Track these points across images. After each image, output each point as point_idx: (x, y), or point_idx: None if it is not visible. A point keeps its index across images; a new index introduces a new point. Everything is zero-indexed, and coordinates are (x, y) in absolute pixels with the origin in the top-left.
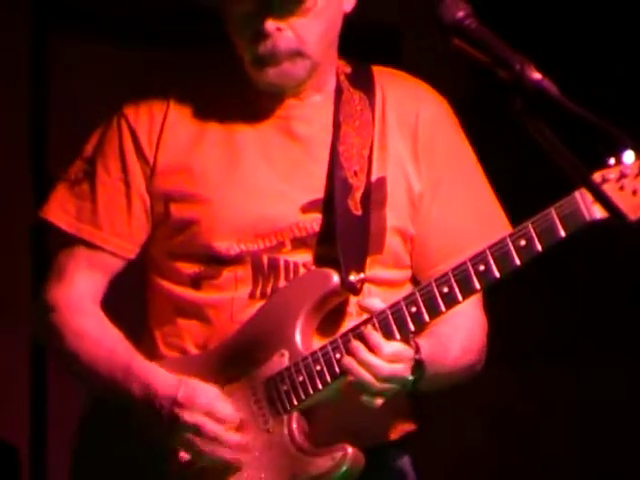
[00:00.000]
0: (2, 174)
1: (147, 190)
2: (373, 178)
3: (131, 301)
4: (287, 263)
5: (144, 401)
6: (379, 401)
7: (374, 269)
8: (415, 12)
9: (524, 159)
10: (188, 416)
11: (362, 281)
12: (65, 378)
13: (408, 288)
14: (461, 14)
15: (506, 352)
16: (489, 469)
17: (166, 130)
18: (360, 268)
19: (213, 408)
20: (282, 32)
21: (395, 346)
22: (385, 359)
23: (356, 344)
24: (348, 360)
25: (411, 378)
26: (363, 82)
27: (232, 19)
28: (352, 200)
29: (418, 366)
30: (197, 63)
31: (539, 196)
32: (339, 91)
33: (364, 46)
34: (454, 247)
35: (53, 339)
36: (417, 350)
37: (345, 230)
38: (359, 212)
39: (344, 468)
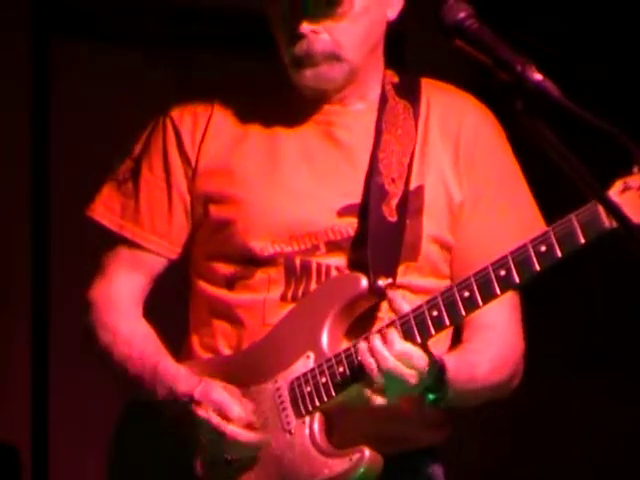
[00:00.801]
0: (3, 174)
1: (188, 190)
2: (412, 186)
3: (181, 305)
4: (319, 266)
5: (168, 401)
6: (380, 400)
7: (409, 276)
8: (418, 13)
9: (527, 163)
10: (200, 410)
11: (391, 286)
12: (66, 377)
13: None
14: (463, 15)
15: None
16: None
17: (209, 132)
18: (390, 273)
19: (223, 406)
20: (318, 34)
21: (407, 346)
22: (394, 354)
23: (374, 336)
24: (361, 345)
25: (431, 397)
26: (409, 92)
27: (272, 21)
28: (387, 206)
29: (441, 384)
30: (242, 69)
31: (541, 197)
32: (383, 100)
33: None
34: (488, 257)
35: (90, 335)
36: (443, 370)
37: (377, 235)
38: (394, 219)
39: (361, 470)
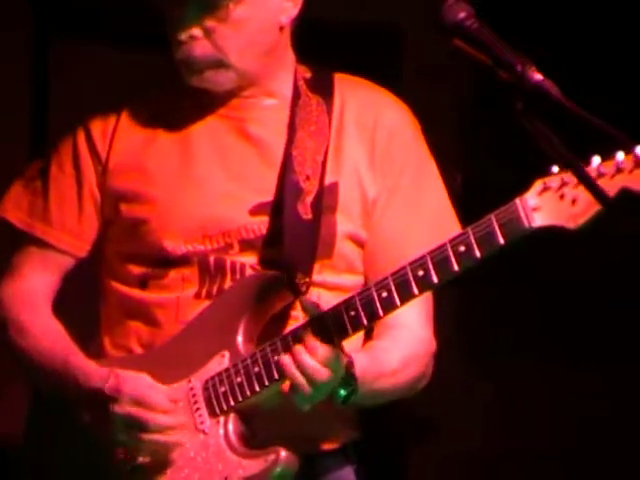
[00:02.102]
0: (3, 174)
1: (98, 188)
2: (326, 182)
3: (87, 305)
4: (234, 264)
5: (78, 397)
6: (308, 406)
7: (324, 274)
8: (416, 13)
9: (523, 158)
10: (117, 407)
11: (308, 284)
12: None
13: None
14: (463, 15)
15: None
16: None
17: (120, 128)
18: (307, 271)
19: (142, 396)
20: (198, 40)
21: (329, 351)
22: (319, 362)
23: (297, 347)
24: (285, 359)
25: (343, 392)
26: (322, 87)
27: (165, 28)
28: (302, 204)
29: (350, 379)
30: (156, 65)
31: None
32: (296, 95)
33: (365, 47)
34: (404, 256)
35: (2, 333)
36: (351, 365)
37: (293, 233)
38: (309, 216)
39: (277, 471)
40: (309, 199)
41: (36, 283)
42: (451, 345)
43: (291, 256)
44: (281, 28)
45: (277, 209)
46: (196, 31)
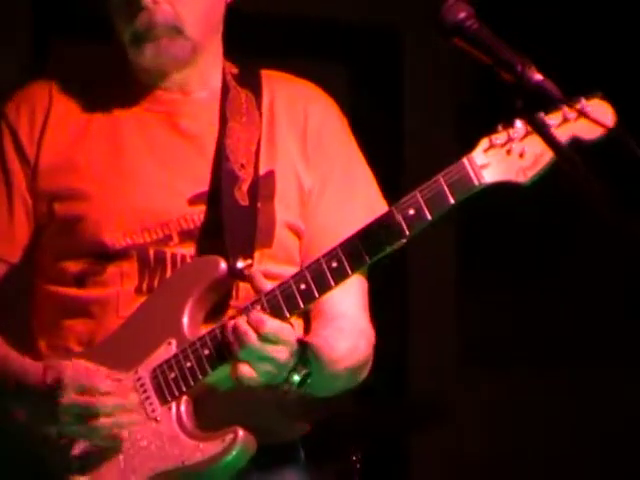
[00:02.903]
0: None
1: (29, 190)
2: (261, 171)
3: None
4: (174, 256)
5: (18, 395)
6: (249, 375)
7: (265, 264)
8: (416, 13)
9: None
10: (62, 398)
11: (249, 267)
12: None
13: None
14: (463, 15)
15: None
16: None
17: (48, 127)
18: (248, 256)
19: (84, 381)
20: (159, 5)
21: (277, 323)
22: (266, 331)
23: (240, 317)
24: (228, 325)
25: (296, 378)
26: (250, 82)
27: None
28: (239, 191)
29: (305, 361)
30: (83, 56)
31: None
32: (225, 89)
33: (364, 47)
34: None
35: None
36: (305, 346)
37: (232, 219)
38: (246, 203)
39: (235, 451)
40: (245, 186)
41: None
42: (451, 345)
43: (231, 241)
44: (226, 5)
45: (214, 198)
46: None
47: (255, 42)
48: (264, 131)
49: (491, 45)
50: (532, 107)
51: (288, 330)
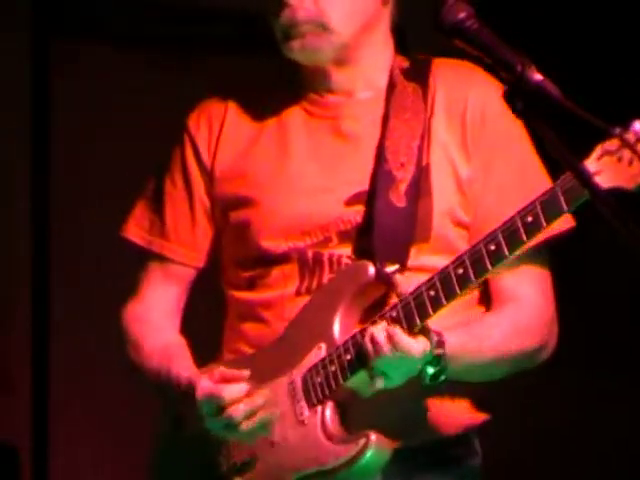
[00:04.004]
0: (3, 175)
1: (208, 197)
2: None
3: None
4: (331, 256)
5: (181, 401)
6: (380, 383)
7: (421, 257)
8: (416, 13)
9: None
10: (199, 391)
11: (398, 272)
12: (66, 377)
13: None
14: (463, 15)
15: None
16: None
17: (223, 137)
18: (399, 259)
19: (221, 380)
20: (302, 2)
21: (405, 340)
22: (400, 350)
23: (377, 325)
24: (367, 332)
25: (430, 370)
26: (418, 75)
27: (261, 1)
28: (395, 192)
29: (438, 358)
30: (242, 69)
31: None
32: (392, 86)
33: None
34: None
35: (124, 353)
36: (441, 344)
37: (384, 221)
38: (402, 204)
39: (368, 455)
40: (403, 186)
41: (156, 299)
42: None
43: (381, 244)
44: (384, 1)
45: (371, 199)
46: None
47: (255, 42)
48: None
49: (491, 45)
50: (532, 108)
51: (419, 345)
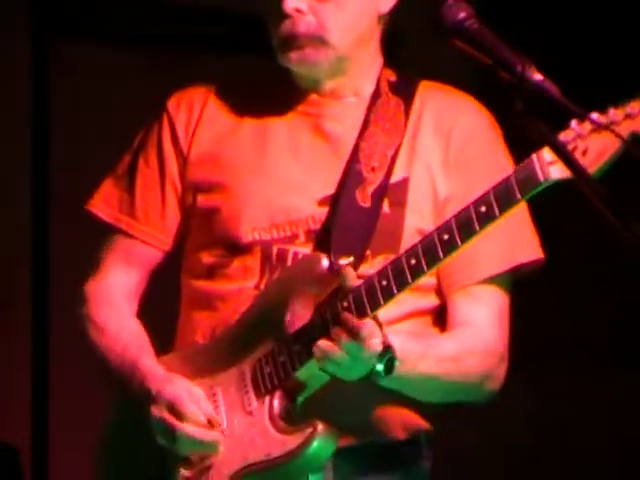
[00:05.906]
0: (4, 175)
1: (180, 180)
2: (395, 178)
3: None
4: (296, 255)
5: (139, 397)
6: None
7: None
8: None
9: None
10: (154, 409)
11: (351, 265)
12: (66, 377)
13: (432, 296)
14: (463, 15)
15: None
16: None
17: (202, 121)
18: (354, 253)
19: (177, 402)
20: (303, 15)
21: (369, 327)
22: (362, 341)
23: (334, 329)
24: (320, 342)
25: (380, 367)
26: (404, 90)
27: (261, 4)
28: (362, 192)
29: (387, 351)
30: (241, 66)
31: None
32: (376, 95)
33: None
34: (473, 258)
35: (82, 329)
36: (388, 345)
37: (346, 218)
38: (367, 204)
39: (314, 444)
40: (370, 188)
41: (121, 279)
42: None
43: (339, 239)
44: (379, 17)
45: (337, 196)
46: (302, 5)
47: (255, 42)
48: (407, 138)
49: (491, 45)
50: (532, 108)
51: (377, 330)
